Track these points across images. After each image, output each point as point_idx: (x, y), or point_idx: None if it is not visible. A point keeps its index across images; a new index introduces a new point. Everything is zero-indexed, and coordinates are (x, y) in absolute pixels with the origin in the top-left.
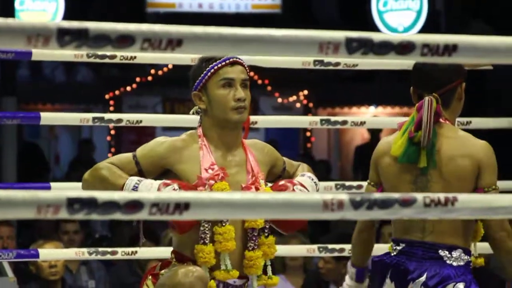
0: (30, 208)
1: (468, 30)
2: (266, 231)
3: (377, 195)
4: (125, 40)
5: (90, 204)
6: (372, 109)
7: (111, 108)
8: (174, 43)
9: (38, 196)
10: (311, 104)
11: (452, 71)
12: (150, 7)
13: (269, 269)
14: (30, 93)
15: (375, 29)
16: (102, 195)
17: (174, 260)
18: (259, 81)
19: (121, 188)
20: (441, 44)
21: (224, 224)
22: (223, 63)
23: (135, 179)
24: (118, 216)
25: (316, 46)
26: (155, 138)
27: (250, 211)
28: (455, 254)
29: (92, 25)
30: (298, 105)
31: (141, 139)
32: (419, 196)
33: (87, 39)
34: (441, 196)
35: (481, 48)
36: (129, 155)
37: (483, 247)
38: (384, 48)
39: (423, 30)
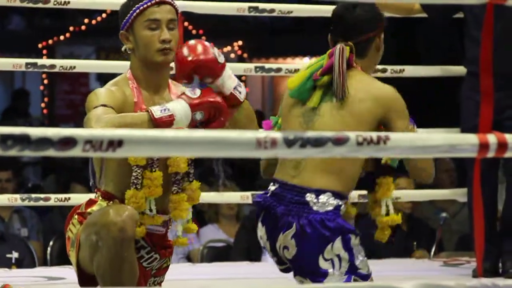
0: None
1: None
2: (190, 176)
3: (310, 134)
4: None
5: (23, 140)
6: (306, 60)
7: (44, 58)
8: None
9: None
10: (245, 55)
11: (370, 20)
12: None
13: (189, 215)
14: None
15: None
16: (35, 131)
17: (100, 198)
18: (194, 31)
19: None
20: None
21: (154, 170)
22: (149, 3)
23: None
24: (51, 152)
25: None
26: (94, 92)
27: (184, 148)
28: (322, 198)
29: None
30: (232, 55)
31: (74, 89)
32: (352, 134)
33: None
34: (373, 135)
35: None
36: (100, 107)
37: (413, 194)
38: None
39: None
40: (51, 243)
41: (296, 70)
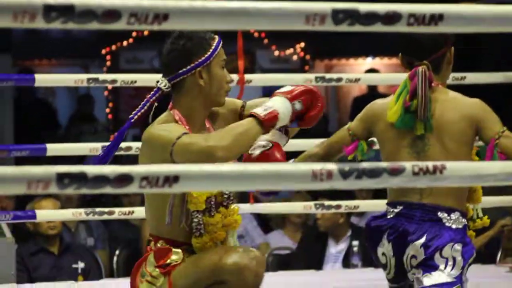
0: (20, 184)
1: None
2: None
3: (366, 165)
4: (111, 15)
5: (79, 178)
6: (369, 60)
7: (108, 63)
8: (161, 17)
9: (28, 172)
10: (308, 56)
11: (441, 37)
12: None
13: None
14: (26, 49)
15: None
16: (91, 169)
17: (167, 246)
18: (256, 34)
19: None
20: (427, 13)
21: (213, 214)
22: (221, 43)
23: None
24: (108, 190)
25: (303, 18)
26: (157, 128)
27: (239, 182)
28: (453, 216)
29: (78, 1)
30: (295, 57)
31: (138, 93)
32: (408, 164)
33: (73, 15)
34: (430, 164)
35: (467, 17)
36: (187, 135)
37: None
38: (370, 18)
39: None
40: (117, 252)
41: (357, 80)
